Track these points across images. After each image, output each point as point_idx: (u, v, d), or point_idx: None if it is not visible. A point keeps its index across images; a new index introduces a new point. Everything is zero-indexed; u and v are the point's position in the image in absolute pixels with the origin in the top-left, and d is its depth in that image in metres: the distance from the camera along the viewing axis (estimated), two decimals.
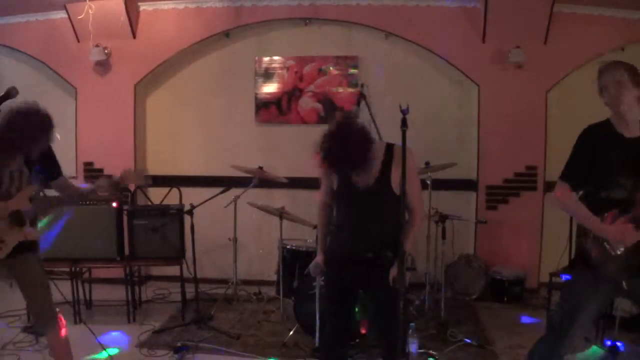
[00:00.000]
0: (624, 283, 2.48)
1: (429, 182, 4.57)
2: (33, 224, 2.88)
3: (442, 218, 4.45)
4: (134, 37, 5.32)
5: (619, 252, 2.42)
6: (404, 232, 2.52)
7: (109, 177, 3.05)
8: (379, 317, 2.77)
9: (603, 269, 2.46)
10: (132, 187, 5.29)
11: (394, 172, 2.61)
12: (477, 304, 4.86)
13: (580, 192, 2.59)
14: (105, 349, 3.61)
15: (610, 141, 2.47)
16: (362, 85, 5.05)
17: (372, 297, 2.82)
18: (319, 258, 2.84)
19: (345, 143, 2.49)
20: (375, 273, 2.63)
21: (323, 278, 3.00)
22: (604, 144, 2.48)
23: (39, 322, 2.98)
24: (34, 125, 2.69)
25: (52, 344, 2.96)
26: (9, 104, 2.68)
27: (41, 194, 3.08)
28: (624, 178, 2.43)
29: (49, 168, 2.93)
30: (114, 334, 4.12)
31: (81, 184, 3.15)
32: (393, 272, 2.52)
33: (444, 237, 4.45)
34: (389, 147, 2.68)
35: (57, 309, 2.95)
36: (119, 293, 4.55)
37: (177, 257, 4.55)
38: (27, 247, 2.84)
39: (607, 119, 2.55)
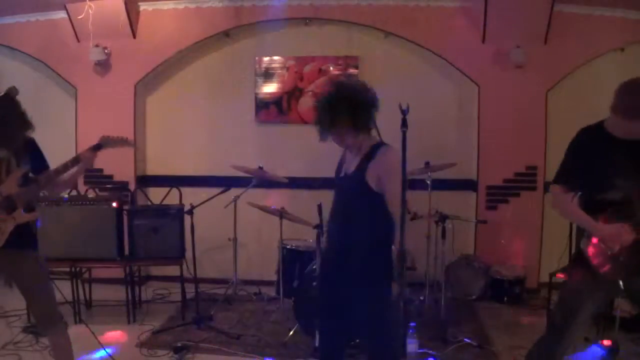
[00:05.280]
0: (621, 283, 2.49)
1: (429, 182, 4.57)
2: (27, 209, 2.83)
3: (442, 218, 4.45)
4: (134, 37, 5.31)
5: (614, 252, 2.43)
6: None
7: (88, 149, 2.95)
8: (363, 319, 2.70)
9: (601, 268, 2.47)
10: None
11: (370, 167, 2.57)
12: (477, 304, 4.86)
13: (576, 194, 2.61)
14: (105, 349, 3.61)
15: (605, 143, 2.48)
16: None
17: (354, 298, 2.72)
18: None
19: (337, 94, 2.56)
20: (352, 276, 2.60)
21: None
22: (598, 146, 2.49)
23: (42, 324, 2.94)
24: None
25: (54, 345, 2.95)
26: None
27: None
28: (620, 179, 2.44)
29: (34, 161, 2.89)
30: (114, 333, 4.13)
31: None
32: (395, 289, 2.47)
33: (444, 237, 4.44)
34: (376, 146, 2.64)
35: (60, 310, 2.93)
36: (119, 293, 4.55)
37: (177, 257, 4.55)
38: (25, 241, 2.82)
39: (600, 122, 2.56)
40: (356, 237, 2.59)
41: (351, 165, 2.67)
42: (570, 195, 2.59)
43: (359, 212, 2.60)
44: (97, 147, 2.98)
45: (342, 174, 2.72)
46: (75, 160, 2.90)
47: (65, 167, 2.89)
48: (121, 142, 3.07)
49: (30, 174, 2.86)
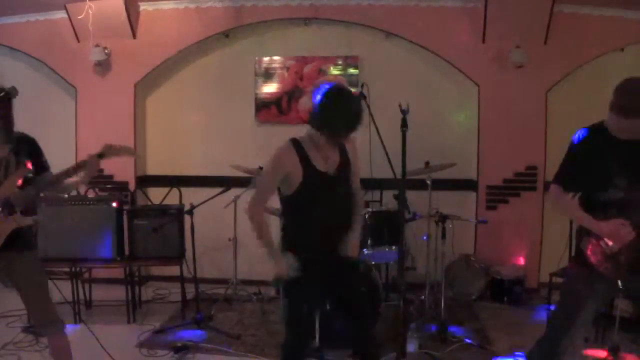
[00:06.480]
0: (619, 282, 2.49)
1: (428, 182, 4.56)
2: (25, 212, 2.82)
3: (442, 218, 4.45)
4: (134, 37, 5.32)
5: (614, 250, 2.43)
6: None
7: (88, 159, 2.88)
8: (353, 316, 2.75)
9: (600, 268, 2.48)
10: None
11: (352, 157, 2.71)
12: (477, 304, 4.86)
13: (577, 194, 2.61)
14: (105, 349, 3.61)
15: (606, 143, 2.48)
16: (362, 85, 5.06)
17: (345, 296, 2.76)
18: (285, 268, 2.65)
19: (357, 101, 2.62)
20: (345, 270, 2.66)
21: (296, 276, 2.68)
22: (599, 146, 2.49)
23: (40, 324, 2.94)
24: None
25: (53, 346, 2.95)
26: None
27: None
28: (620, 179, 2.45)
29: (34, 160, 2.87)
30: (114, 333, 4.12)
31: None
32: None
33: (444, 237, 4.45)
34: None
35: (58, 311, 2.93)
36: (119, 293, 4.55)
37: (177, 257, 4.56)
38: (23, 242, 2.82)
39: (600, 122, 2.55)
40: (357, 226, 2.75)
41: (331, 161, 2.68)
42: (569, 194, 2.60)
43: (354, 205, 2.75)
44: (101, 156, 2.90)
45: (325, 172, 2.65)
46: (78, 167, 2.86)
47: (67, 173, 2.85)
48: (124, 151, 3.04)
49: (30, 175, 2.85)
